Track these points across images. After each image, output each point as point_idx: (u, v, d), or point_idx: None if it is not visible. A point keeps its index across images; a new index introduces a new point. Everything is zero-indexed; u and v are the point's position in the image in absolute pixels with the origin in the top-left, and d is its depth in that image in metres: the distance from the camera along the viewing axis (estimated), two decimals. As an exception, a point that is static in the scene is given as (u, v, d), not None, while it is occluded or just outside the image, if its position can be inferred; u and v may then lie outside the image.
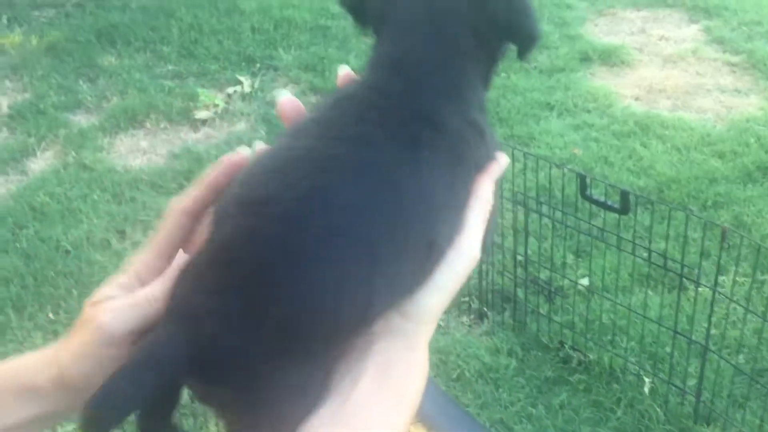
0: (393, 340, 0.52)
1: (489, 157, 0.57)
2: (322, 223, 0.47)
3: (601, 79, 4.13)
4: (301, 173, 0.49)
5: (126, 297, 0.52)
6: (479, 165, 0.56)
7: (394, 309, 0.52)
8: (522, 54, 0.58)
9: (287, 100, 0.58)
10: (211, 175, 0.56)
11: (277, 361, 0.46)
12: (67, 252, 2.90)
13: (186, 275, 0.50)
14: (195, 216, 0.56)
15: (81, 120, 3.81)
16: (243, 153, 0.56)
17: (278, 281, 0.46)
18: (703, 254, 2.54)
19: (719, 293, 2.05)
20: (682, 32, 4.65)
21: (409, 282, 0.52)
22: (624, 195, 2.02)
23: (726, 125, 3.67)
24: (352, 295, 0.48)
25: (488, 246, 0.58)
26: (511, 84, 3.95)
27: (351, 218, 0.48)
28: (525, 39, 0.57)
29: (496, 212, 0.59)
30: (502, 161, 0.58)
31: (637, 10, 4.96)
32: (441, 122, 0.53)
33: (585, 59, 4.31)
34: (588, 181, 2.14)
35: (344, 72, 0.58)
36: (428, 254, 0.52)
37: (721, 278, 2.60)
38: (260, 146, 0.56)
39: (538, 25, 0.58)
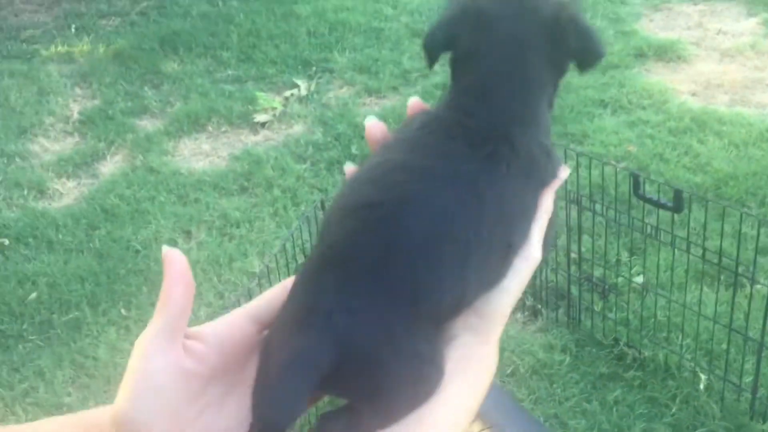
0: (470, 336, 0.60)
1: (553, 175, 0.65)
2: (420, 224, 0.55)
3: (656, 75, 4.10)
4: (398, 181, 0.57)
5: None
6: (545, 181, 0.64)
7: (472, 309, 0.60)
8: (583, 69, 0.66)
9: (374, 123, 0.65)
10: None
11: (398, 347, 0.53)
12: (137, 251, 3.05)
13: (302, 279, 0.56)
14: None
15: (147, 125, 3.98)
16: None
17: (391, 277, 0.53)
18: (761, 251, 2.53)
19: (775, 290, 2.06)
20: (740, 25, 4.57)
21: (492, 279, 0.60)
22: (677, 194, 2.04)
23: (786, 120, 3.61)
24: (451, 288, 0.56)
25: (549, 246, 0.66)
26: (565, 81, 3.96)
27: (445, 220, 0.56)
28: (593, 60, 0.66)
29: (555, 217, 0.66)
30: (562, 175, 0.66)
31: (694, 4, 4.89)
32: (517, 143, 0.61)
33: (640, 55, 4.28)
34: (641, 180, 2.17)
35: (414, 102, 0.66)
36: (506, 256, 0.60)
37: (779, 275, 2.59)
38: (350, 168, 0.63)
39: (603, 45, 0.66)
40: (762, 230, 2.62)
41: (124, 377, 0.53)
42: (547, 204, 0.64)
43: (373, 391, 0.54)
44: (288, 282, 0.59)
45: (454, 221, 0.56)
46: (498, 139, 0.60)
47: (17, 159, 3.74)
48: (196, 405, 0.54)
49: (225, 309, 2.10)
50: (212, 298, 2.80)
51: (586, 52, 0.65)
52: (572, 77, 3.72)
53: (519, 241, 0.61)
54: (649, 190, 2.41)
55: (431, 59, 0.66)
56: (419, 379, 0.55)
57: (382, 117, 3.84)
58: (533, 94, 0.63)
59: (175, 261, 0.55)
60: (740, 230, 2.09)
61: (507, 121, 0.61)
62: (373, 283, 0.53)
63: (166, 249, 0.55)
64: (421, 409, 0.56)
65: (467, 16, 0.64)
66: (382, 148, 0.62)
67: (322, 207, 2.17)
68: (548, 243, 0.65)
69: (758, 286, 2.36)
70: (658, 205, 2.15)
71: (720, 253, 2.09)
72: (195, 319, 2.66)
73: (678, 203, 2.05)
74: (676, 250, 2.28)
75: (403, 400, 0.55)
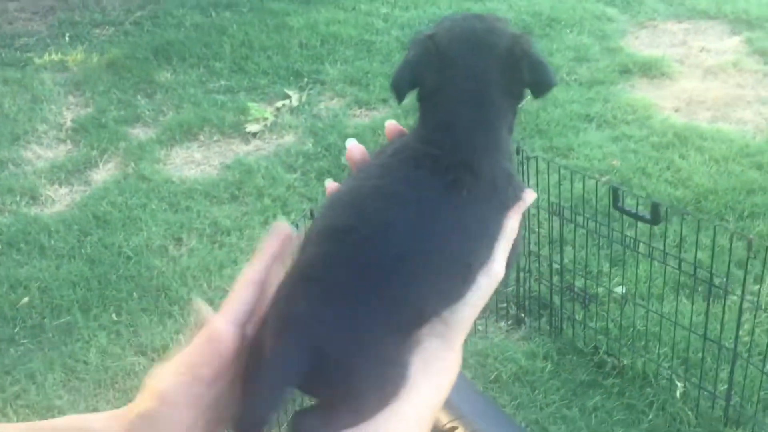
0: (435, 341, 0.67)
1: (516, 198, 0.71)
2: (388, 247, 0.62)
3: (640, 91, 4.20)
4: (372, 207, 0.64)
5: (178, 375, 0.60)
6: (507, 204, 0.70)
7: (437, 317, 0.67)
8: (537, 96, 0.73)
9: (354, 145, 0.72)
10: (267, 246, 0.66)
11: (365, 351, 0.60)
12: (128, 258, 3.10)
13: (282, 292, 0.63)
14: (261, 284, 0.65)
15: (139, 133, 4.03)
16: (286, 228, 0.67)
17: (360, 292, 0.61)
18: (738, 264, 2.60)
19: (747, 301, 2.13)
20: (723, 44, 4.68)
21: (452, 295, 0.67)
22: (654, 207, 2.11)
23: (765, 137, 3.71)
24: (412, 303, 0.63)
25: (512, 263, 0.73)
26: (551, 96, 4.03)
27: (409, 243, 0.63)
28: (545, 89, 0.72)
29: (521, 237, 0.73)
30: (527, 198, 0.72)
31: (679, 22, 5.00)
32: (478, 170, 0.67)
33: (625, 71, 4.37)
34: (620, 193, 2.24)
35: (390, 125, 0.73)
36: (467, 273, 0.67)
37: (755, 287, 2.67)
38: (331, 185, 0.70)
39: (554, 75, 0.72)
40: (739, 243, 2.70)
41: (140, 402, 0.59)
42: (511, 225, 0.70)
43: (344, 391, 0.60)
44: (247, 277, 0.65)
45: (418, 244, 0.63)
46: (460, 167, 0.67)
47: (10, 165, 3.78)
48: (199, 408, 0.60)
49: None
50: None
51: (538, 83, 0.71)
52: (558, 92, 3.80)
53: (480, 259, 0.67)
54: (631, 204, 2.48)
55: (399, 97, 0.72)
56: (385, 379, 0.62)
57: (372, 128, 3.91)
58: (492, 124, 0.70)
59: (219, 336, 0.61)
60: (713, 243, 2.16)
61: (469, 151, 0.68)
62: (344, 297, 0.61)
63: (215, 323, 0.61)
64: (389, 407, 0.62)
65: (429, 57, 0.71)
66: (359, 171, 0.70)
67: (312, 216, 2.23)
68: (513, 260, 0.71)
69: (734, 298, 2.43)
70: (636, 217, 2.22)
71: (695, 264, 2.17)
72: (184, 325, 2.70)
73: (655, 216, 2.12)
74: (654, 261, 2.35)
75: (371, 399, 0.61)
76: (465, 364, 2.49)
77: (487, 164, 0.68)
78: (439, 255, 0.64)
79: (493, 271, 0.68)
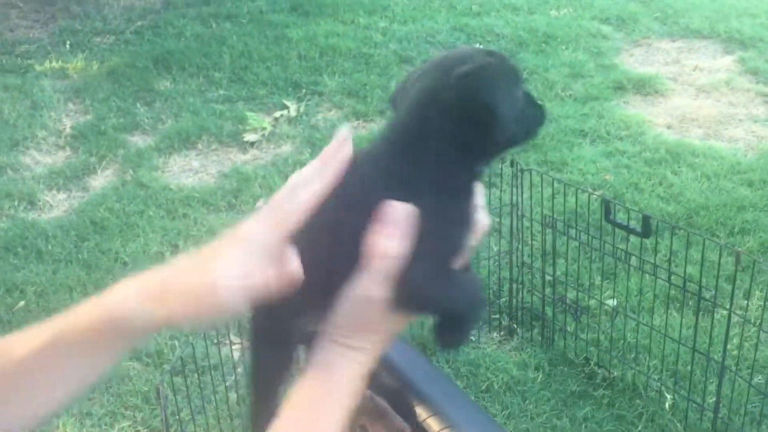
0: (331, 346, 0.71)
1: (370, 213, 0.71)
2: (305, 244, 0.72)
3: (634, 108, 4.25)
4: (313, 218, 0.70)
5: (245, 279, 0.65)
6: (365, 219, 0.71)
7: (329, 320, 0.71)
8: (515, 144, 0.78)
9: None
10: (326, 154, 0.74)
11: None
12: (125, 263, 3.12)
13: None
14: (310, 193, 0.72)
15: (138, 141, 4.06)
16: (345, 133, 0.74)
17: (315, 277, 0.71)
18: (727, 279, 2.64)
19: (736, 315, 2.16)
20: (716, 63, 4.75)
21: (319, 290, 0.72)
22: (645, 220, 2.15)
23: (756, 154, 3.76)
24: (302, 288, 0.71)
25: (458, 290, 0.73)
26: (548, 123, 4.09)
27: (303, 236, 0.71)
28: (489, 118, 0.71)
29: (463, 260, 0.74)
30: (383, 218, 0.69)
31: (672, 41, 5.07)
32: (371, 186, 0.73)
33: (619, 88, 4.43)
34: (612, 206, 2.28)
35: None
36: (330, 278, 0.72)
37: (744, 302, 2.71)
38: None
39: (503, 103, 0.72)
40: (729, 258, 2.74)
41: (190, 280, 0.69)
42: (374, 243, 0.68)
43: None
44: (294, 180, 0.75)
45: (305, 238, 0.70)
46: (364, 179, 0.73)
47: (9, 171, 3.80)
48: None
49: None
50: (198, 311, 2.86)
51: (483, 111, 0.71)
52: (554, 108, 3.83)
53: (342, 268, 0.71)
54: (623, 218, 2.52)
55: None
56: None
57: (369, 140, 3.94)
58: (413, 152, 0.73)
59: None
60: (702, 257, 2.20)
61: (375, 166, 0.75)
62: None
63: None
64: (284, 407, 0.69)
65: (403, 84, 0.78)
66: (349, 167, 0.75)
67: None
68: (413, 288, 0.69)
69: (723, 311, 2.47)
70: (627, 230, 2.26)
71: (684, 278, 2.20)
72: (179, 330, 2.73)
73: (646, 229, 2.16)
74: (645, 274, 2.39)
75: None
76: (457, 374, 2.53)
77: (379, 185, 0.73)
78: (314, 250, 0.71)
79: (364, 289, 0.69)
